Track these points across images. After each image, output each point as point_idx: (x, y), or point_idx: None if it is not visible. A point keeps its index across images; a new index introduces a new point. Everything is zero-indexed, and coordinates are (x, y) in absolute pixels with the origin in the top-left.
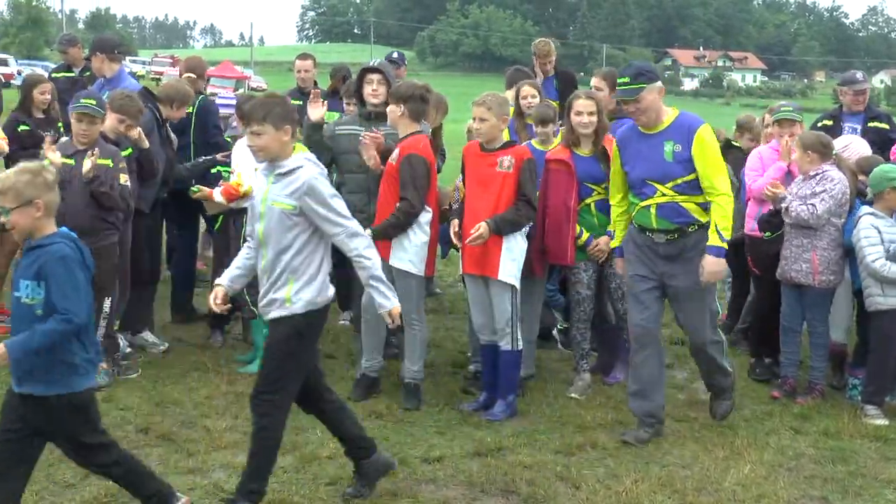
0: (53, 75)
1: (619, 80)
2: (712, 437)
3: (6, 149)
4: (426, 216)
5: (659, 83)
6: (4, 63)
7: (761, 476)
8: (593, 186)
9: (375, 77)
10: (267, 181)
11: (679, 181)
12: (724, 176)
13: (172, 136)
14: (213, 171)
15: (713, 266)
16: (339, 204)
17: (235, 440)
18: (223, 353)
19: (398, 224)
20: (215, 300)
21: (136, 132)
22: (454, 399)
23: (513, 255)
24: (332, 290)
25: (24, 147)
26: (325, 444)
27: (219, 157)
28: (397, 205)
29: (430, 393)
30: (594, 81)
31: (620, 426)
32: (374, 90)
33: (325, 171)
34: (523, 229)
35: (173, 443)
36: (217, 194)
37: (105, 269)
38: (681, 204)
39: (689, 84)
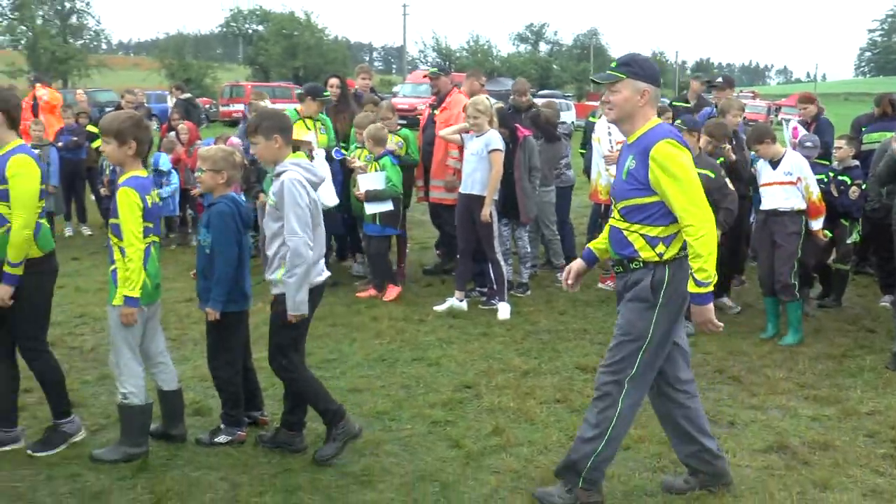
0: (673, 104)
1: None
2: None
3: None
4: None
5: (646, 85)
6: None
7: None
8: None
9: None
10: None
11: (625, 204)
12: (694, 204)
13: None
14: None
15: (699, 317)
16: (298, 214)
17: (790, 388)
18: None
19: None
20: None
21: (727, 149)
22: None
23: None
24: (322, 276)
25: None
26: (865, 402)
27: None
28: None
29: None
30: None
31: None
32: None
33: (315, 177)
34: None
35: (741, 384)
36: None
37: None
38: (623, 232)
39: None
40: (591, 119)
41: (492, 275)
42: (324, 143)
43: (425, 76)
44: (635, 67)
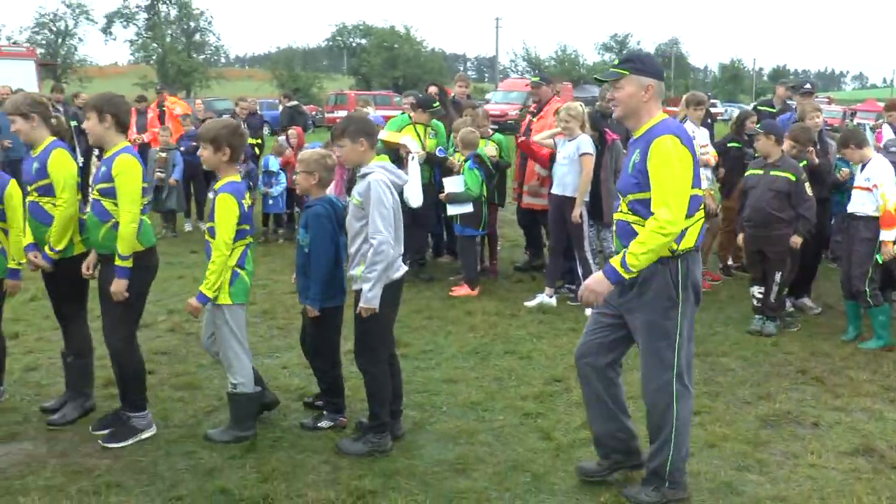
0: (758, 108)
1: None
2: None
3: (712, 162)
4: None
5: (650, 80)
6: (714, 105)
7: None
8: None
9: None
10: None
11: (631, 198)
12: (669, 204)
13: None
14: None
15: (592, 284)
16: (383, 214)
17: (874, 391)
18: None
19: None
20: None
21: (811, 153)
22: None
23: None
24: (400, 272)
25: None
26: None
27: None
28: None
29: None
30: None
31: None
32: None
33: (399, 180)
34: None
35: (824, 385)
36: None
37: (777, 251)
38: (632, 225)
39: None
40: None
41: (580, 272)
42: (432, 146)
43: (527, 85)
44: (638, 63)
